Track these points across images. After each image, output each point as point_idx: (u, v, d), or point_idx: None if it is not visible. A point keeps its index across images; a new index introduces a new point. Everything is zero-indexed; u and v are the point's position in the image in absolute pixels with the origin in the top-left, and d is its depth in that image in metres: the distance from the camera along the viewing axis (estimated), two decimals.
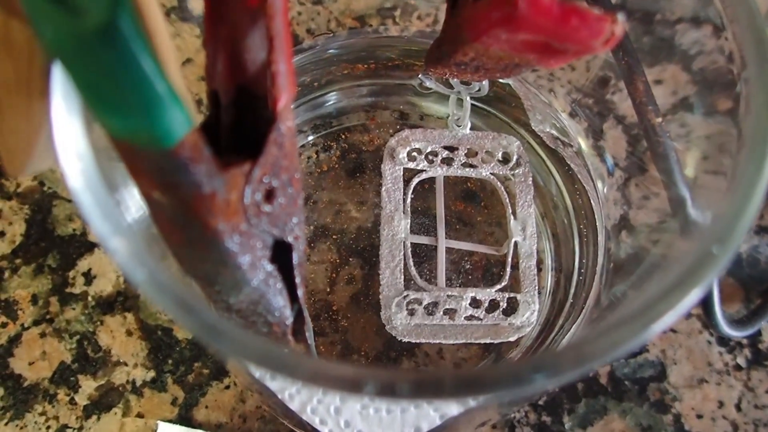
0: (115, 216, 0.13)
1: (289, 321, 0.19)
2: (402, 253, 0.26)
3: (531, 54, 0.17)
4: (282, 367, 0.12)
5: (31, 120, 0.14)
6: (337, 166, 0.29)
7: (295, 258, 0.18)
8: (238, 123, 0.18)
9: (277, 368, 0.12)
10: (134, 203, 0.16)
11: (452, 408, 0.23)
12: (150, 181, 0.15)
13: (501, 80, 0.28)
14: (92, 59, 0.12)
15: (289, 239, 0.17)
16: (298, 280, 0.18)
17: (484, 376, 0.12)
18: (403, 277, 0.25)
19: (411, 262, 0.26)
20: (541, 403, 0.28)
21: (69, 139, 0.13)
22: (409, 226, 0.26)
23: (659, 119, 0.22)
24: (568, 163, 0.27)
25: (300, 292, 0.18)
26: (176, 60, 0.15)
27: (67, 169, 0.13)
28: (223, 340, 0.12)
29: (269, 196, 0.16)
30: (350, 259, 0.28)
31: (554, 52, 0.16)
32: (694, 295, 0.12)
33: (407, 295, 0.25)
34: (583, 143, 0.27)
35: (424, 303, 0.25)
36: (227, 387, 0.28)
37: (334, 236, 0.28)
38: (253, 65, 0.17)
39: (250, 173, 0.16)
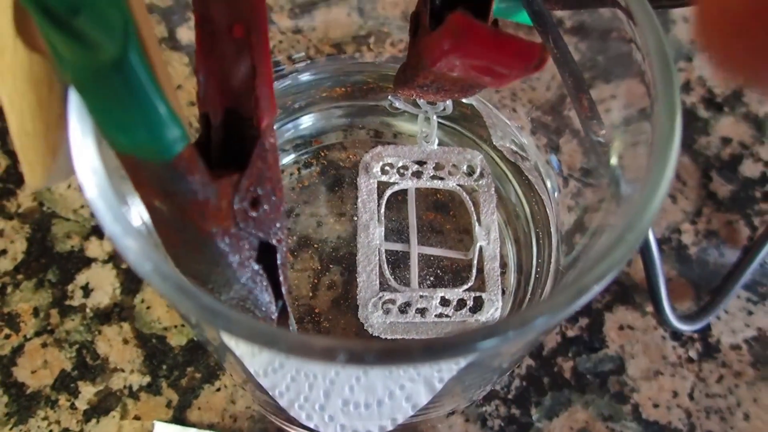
0: (124, 220, 0.15)
1: (275, 315, 0.21)
2: (377, 258, 0.28)
3: (481, 76, 0.20)
4: (269, 341, 0.14)
5: (50, 140, 0.16)
6: (317, 181, 0.31)
7: (279, 258, 0.20)
8: (227, 141, 0.20)
9: (264, 342, 0.14)
10: (136, 214, 0.18)
11: (422, 397, 0.25)
12: (152, 190, 0.17)
13: (464, 101, 0.30)
14: (106, 87, 0.14)
15: (273, 241, 0.20)
16: (281, 278, 0.20)
17: (441, 341, 0.14)
18: (378, 279, 0.28)
19: (386, 266, 0.28)
20: (510, 397, 0.30)
21: (85, 156, 0.15)
22: (383, 234, 0.29)
23: (603, 131, 0.25)
24: (526, 174, 0.30)
25: (283, 289, 0.21)
26: (171, 84, 0.17)
27: (84, 181, 0.15)
28: (219, 319, 0.14)
29: (255, 203, 0.19)
30: (331, 267, 0.30)
31: (500, 75, 0.19)
32: (614, 270, 0.15)
33: (382, 296, 0.27)
34: (540, 156, 0.30)
35: (398, 303, 0.27)
36: (218, 389, 0.30)
37: (315, 246, 0.30)
38: (239, 90, 0.20)
39: (238, 183, 0.18)
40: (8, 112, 0.16)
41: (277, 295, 0.21)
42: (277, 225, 0.20)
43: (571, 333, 0.32)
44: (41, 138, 0.16)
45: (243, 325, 0.14)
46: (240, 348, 0.20)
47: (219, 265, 0.18)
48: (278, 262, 0.20)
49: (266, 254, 0.20)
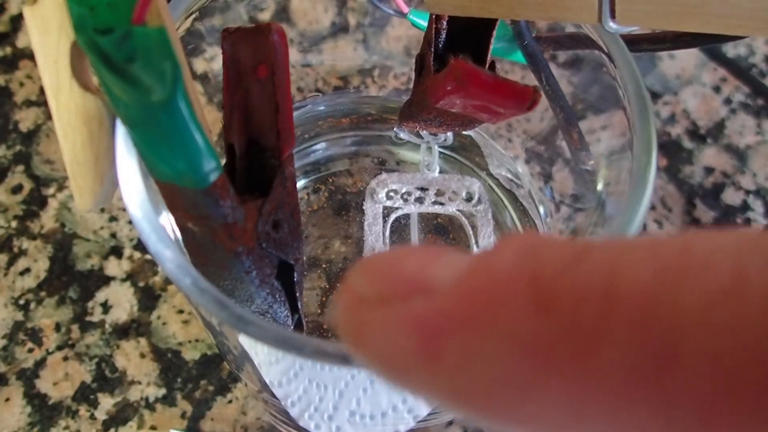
0: (164, 236, 0.17)
1: (291, 328, 0.23)
2: None
3: (479, 113, 0.22)
4: (292, 346, 0.16)
5: (98, 169, 0.18)
6: (325, 205, 0.34)
7: (296, 276, 0.22)
8: (250, 169, 0.22)
9: (289, 347, 0.16)
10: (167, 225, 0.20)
11: (423, 410, 0.27)
12: (186, 213, 0.19)
13: (463, 132, 0.33)
14: (154, 124, 0.16)
15: (291, 260, 0.22)
16: (297, 294, 0.22)
17: None
18: None
19: None
20: None
21: (130, 180, 0.18)
22: None
23: (591, 161, 0.27)
24: (521, 201, 0.32)
25: (299, 304, 0.23)
26: (205, 117, 0.19)
27: (129, 202, 0.17)
28: (249, 326, 0.16)
29: (276, 225, 0.21)
30: (338, 286, 0.32)
31: (496, 113, 0.21)
32: None
33: None
34: (534, 184, 0.32)
35: None
36: (230, 401, 0.32)
37: (323, 266, 0.32)
38: (262, 123, 0.22)
39: (261, 207, 0.20)
40: (63, 144, 0.18)
41: (293, 309, 0.23)
42: (295, 245, 0.22)
43: None
44: (91, 167, 0.18)
45: (272, 331, 0.16)
46: (258, 357, 0.22)
47: (243, 281, 0.20)
48: (295, 279, 0.22)
49: (284, 272, 0.22)
